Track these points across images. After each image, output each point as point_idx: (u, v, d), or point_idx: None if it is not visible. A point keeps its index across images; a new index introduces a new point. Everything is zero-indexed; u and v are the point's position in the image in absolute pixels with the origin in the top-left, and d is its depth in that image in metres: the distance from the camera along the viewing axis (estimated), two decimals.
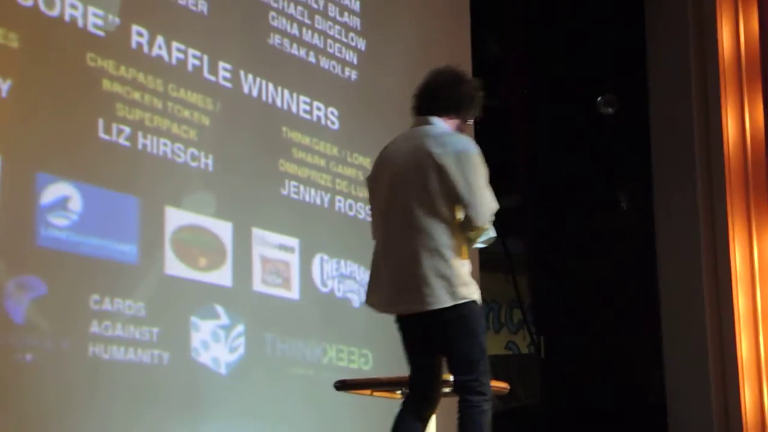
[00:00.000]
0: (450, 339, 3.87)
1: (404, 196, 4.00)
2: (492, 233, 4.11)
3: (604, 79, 9.28)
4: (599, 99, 9.22)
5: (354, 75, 6.38)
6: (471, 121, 4.32)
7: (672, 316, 8.50)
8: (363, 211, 6.21)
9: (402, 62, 6.73)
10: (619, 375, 8.85)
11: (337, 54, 6.31)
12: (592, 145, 9.56)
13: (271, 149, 5.76)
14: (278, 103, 5.84)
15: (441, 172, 3.94)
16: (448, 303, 3.85)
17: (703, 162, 8.69)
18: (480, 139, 7.48)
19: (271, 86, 5.81)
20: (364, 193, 6.19)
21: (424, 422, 3.98)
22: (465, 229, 3.95)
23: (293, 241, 5.77)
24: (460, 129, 4.24)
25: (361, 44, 6.48)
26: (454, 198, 3.92)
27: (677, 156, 8.67)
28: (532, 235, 9.99)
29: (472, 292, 3.92)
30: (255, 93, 5.71)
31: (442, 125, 4.16)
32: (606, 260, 9.06)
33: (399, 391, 4.17)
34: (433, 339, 3.94)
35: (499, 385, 4.24)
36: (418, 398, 3.98)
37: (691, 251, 8.51)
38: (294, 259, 5.76)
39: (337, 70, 6.29)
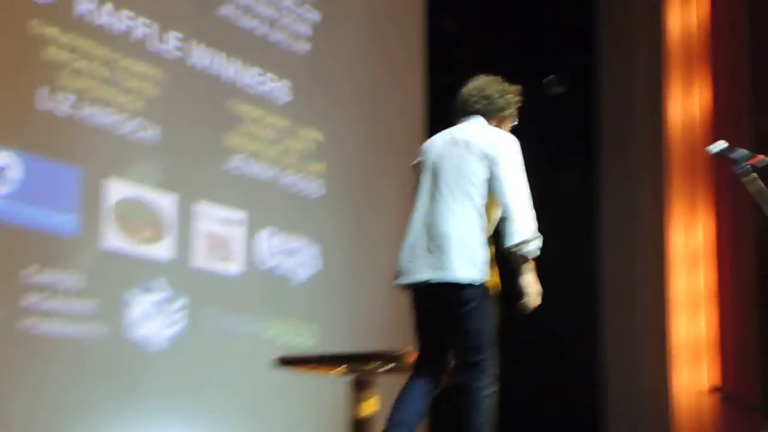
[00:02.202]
0: (466, 316, 3.93)
1: (443, 173, 4.17)
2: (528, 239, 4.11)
3: (554, 59, 9.29)
4: (549, 78, 9.24)
5: (307, 48, 6.31)
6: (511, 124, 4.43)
7: (610, 296, 8.59)
8: (313, 185, 6.17)
9: (356, 36, 6.68)
10: (556, 355, 8.92)
11: (291, 26, 6.23)
12: (540, 126, 9.59)
13: (221, 121, 5.70)
14: (229, 74, 5.77)
15: (484, 162, 4.10)
16: (474, 279, 3.94)
17: (647, 144, 8.76)
18: (432, 115, 7.50)
19: (222, 57, 5.73)
20: (314, 166, 6.16)
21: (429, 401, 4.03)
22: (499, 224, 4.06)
23: (240, 215, 5.72)
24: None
25: (315, 16, 6.41)
26: (492, 191, 4.07)
27: (622, 138, 8.74)
28: None
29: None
30: (205, 64, 5.63)
31: (485, 123, 4.30)
32: (548, 241, 9.10)
33: (342, 368, 4.15)
34: (447, 315, 3.98)
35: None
36: (426, 374, 4.01)
37: (631, 232, 8.60)
38: (240, 233, 5.71)
39: (290, 42, 6.22)
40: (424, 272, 4.07)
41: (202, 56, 5.61)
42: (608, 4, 9.09)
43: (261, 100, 5.92)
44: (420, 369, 4.03)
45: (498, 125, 4.33)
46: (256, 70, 5.91)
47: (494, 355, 3.95)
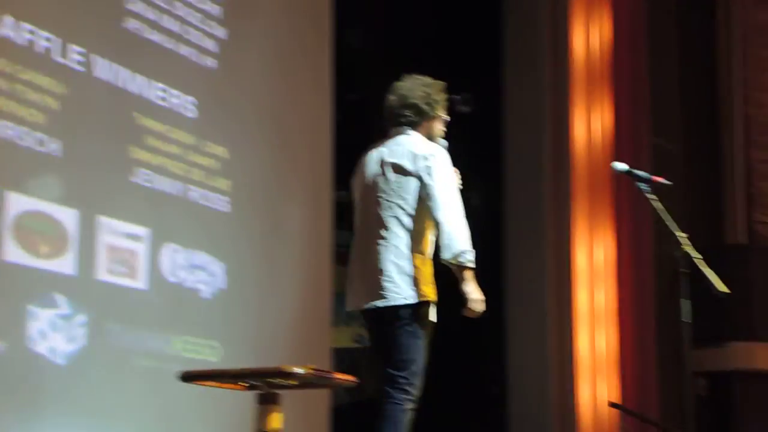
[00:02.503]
0: (397, 332, 4.15)
1: (372, 200, 4.39)
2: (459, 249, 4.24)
3: (461, 77, 9.41)
4: (456, 97, 9.34)
5: (213, 63, 6.31)
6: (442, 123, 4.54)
7: (516, 311, 8.72)
8: (218, 202, 6.16)
9: (263, 53, 6.69)
10: (462, 367, 9.01)
11: (197, 41, 6.22)
12: (447, 143, 9.68)
13: (123, 136, 5.65)
14: (133, 89, 5.73)
15: (414, 182, 4.28)
16: (407, 300, 4.15)
17: (552, 163, 8.93)
18: (339, 132, 7.54)
19: (126, 72, 5.69)
20: (219, 182, 6.14)
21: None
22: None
23: (142, 230, 5.67)
24: (431, 134, 4.49)
25: (222, 33, 6.40)
26: (425, 206, 4.23)
27: (528, 156, 8.89)
28: None
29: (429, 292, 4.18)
30: (108, 78, 5.58)
31: (415, 135, 4.44)
32: None
33: (245, 384, 4.15)
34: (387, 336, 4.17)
35: (347, 378, 4.28)
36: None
37: (537, 249, 8.75)
38: (142, 249, 5.66)
39: (196, 57, 6.20)
40: (362, 299, 4.29)
41: (105, 70, 5.56)
42: (514, 24, 9.26)
43: (166, 115, 5.89)
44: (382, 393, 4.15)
45: (429, 131, 4.42)
46: (160, 85, 5.88)
47: (419, 374, 4.06)
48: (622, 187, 9.06)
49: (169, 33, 6.01)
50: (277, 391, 3.97)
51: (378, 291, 4.22)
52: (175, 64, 6.03)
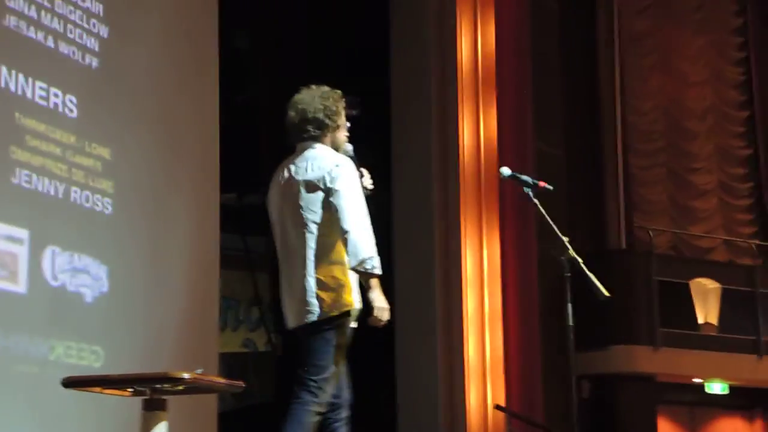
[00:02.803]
0: (314, 339, 4.29)
1: (287, 219, 4.45)
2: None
3: (349, 80, 9.41)
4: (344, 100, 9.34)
5: (95, 62, 6.17)
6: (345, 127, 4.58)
7: (405, 315, 8.75)
8: (100, 203, 6.02)
9: (147, 52, 6.58)
10: (352, 373, 8.99)
11: (78, 40, 6.07)
12: (352, 147, 9.66)
13: (2, 136, 5.47)
14: (12, 87, 5.56)
15: (320, 197, 4.35)
16: (324, 314, 4.29)
17: (439, 167, 9.00)
18: (227, 134, 7.46)
19: (4, 69, 5.52)
20: (101, 184, 6.01)
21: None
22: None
23: (22, 233, 5.51)
24: (336, 143, 4.52)
25: (104, 31, 6.26)
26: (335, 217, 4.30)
27: (415, 160, 8.93)
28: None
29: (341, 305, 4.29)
30: None
31: (320, 148, 4.48)
32: None
33: (130, 390, 4.06)
34: None
35: (234, 383, 4.25)
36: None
37: (425, 254, 8.80)
38: (22, 251, 5.50)
39: (77, 56, 6.06)
40: (289, 319, 4.42)
41: None
42: (401, 29, 9.31)
43: (45, 115, 5.73)
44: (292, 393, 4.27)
45: (333, 141, 4.46)
46: (40, 83, 5.72)
47: (330, 380, 4.24)
48: (507, 192, 9.18)
49: (49, 31, 5.86)
50: (163, 397, 3.90)
51: (304, 308, 4.32)
52: (56, 63, 5.88)
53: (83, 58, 6.08)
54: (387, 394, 8.77)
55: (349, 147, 4.63)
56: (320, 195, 4.37)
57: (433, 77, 9.15)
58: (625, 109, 11.63)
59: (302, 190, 4.41)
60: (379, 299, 4.29)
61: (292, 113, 4.55)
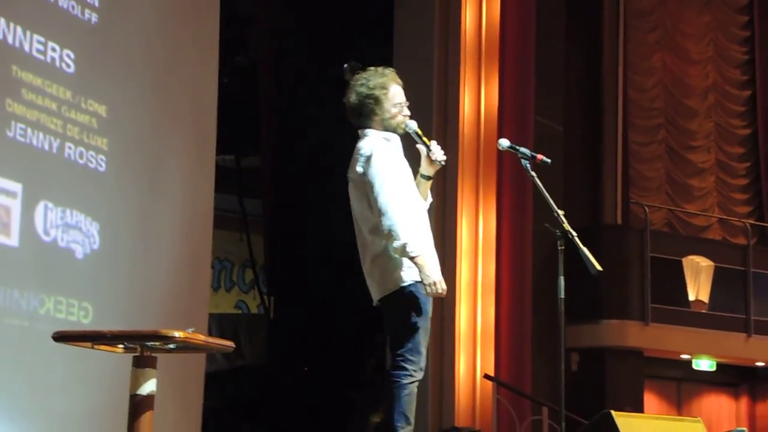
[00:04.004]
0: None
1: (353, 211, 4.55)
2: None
3: (351, 46, 9.40)
4: (345, 66, 9.31)
5: (95, 18, 6.12)
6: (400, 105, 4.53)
7: None
8: (94, 160, 6.00)
9: (147, 11, 6.53)
10: (344, 339, 9.03)
11: None
12: (337, 111, 9.66)
13: (0, 88, 5.44)
14: (9, 40, 5.53)
15: (360, 188, 4.42)
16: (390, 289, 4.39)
17: (439, 137, 8.97)
18: (226, 96, 7.43)
19: (2, 21, 5.48)
20: (96, 141, 5.99)
21: None
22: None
23: (15, 186, 5.49)
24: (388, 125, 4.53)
25: None
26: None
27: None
28: (270, 195, 10.01)
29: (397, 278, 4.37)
30: None
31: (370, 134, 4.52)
32: (342, 226, 9.20)
33: (121, 346, 4.06)
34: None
35: (225, 343, 4.25)
36: None
37: None
38: (15, 205, 5.48)
39: (77, 11, 6.01)
40: (372, 295, 4.50)
41: None
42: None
43: (42, 69, 5.70)
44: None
45: (383, 123, 4.46)
46: (38, 37, 5.68)
47: (413, 351, 4.28)
48: (506, 164, 9.17)
49: None
50: (153, 354, 3.90)
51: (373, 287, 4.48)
52: (55, 17, 5.84)
53: (83, 13, 6.04)
54: (377, 360, 8.81)
55: (412, 124, 4.58)
56: (361, 191, 4.42)
57: (436, 47, 9.11)
58: (626, 84, 11.60)
59: (351, 188, 4.49)
60: (426, 276, 4.29)
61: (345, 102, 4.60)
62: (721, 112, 12.45)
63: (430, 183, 4.65)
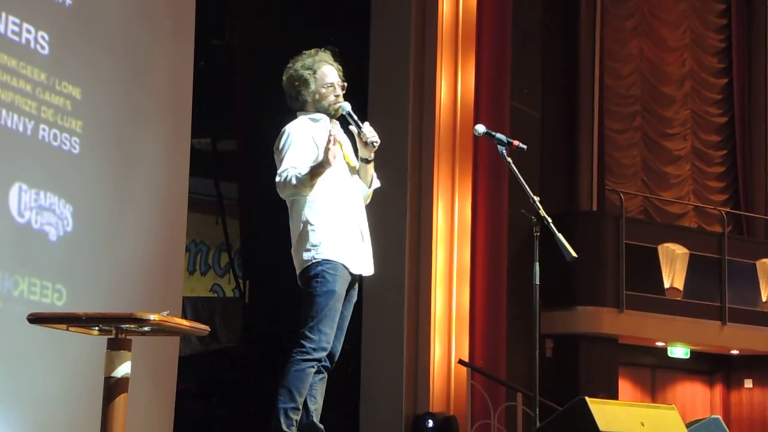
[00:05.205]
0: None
1: None
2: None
3: (327, 31, 9.36)
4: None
5: (69, 0, 6.07)
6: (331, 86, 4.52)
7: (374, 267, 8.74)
8: (68, 143, 5.96)
9: None
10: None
11: None
12: (348, 105, 9.60)
13: None
14: None
15: None
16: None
17: (415, 123, 8.97)
18: (202, 79, 7.39)
19: None
20: (70, 123, 5.95)
21: None
22: None
23: None
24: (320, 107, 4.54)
25: None
26: None
27: (392, 115, 8.89)
28: (246, 179, 9.98)
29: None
30: None
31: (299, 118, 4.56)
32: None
33: (96, 328, 4.05)
34: None
35: (200, 326, 4.24)
36: None
37: (397, 208, 8.79)
38: None
39: None
40: None
41: None
42: None
43: (16, 50, 5.65)
44: None
45: (316, 105, 4.45)
46: (13, 18, 5.63)
47: (314, 329, 4.30)
48: (482, 150, 9.18)
49: None
50: (128, 337, 3.90)
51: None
52: None
53: None
54: (352, 344, 8.80)
55: (345, 105, 4.54)
56: None
57: (413, 32, 9.09)
58: (603, 71, 11.62)
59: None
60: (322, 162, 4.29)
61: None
62: (697, 99, 12.50)
63: (371, 167, 4.60)
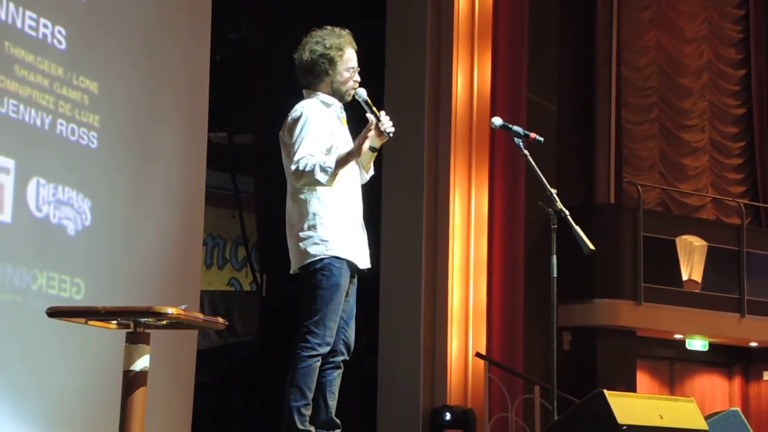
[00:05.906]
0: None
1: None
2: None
3: (345, 23, 9.32)
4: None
5: None
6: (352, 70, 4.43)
7: (391, 261, 8.76)
8: (86, 137, 5.99)
9: None
10: None
11: None
12: (364, 91, 9.59)
13: None
14: (2, 16, 5.52)
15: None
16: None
17: (431, 115, 8.95)
18: (218, 73, 7.40)
19: None
20: (88, 117, 5.98)
21: None
22: None
23: (8, 162, 5.49)
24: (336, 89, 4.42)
25: None
26: None
27: (408, 107, 8.87)
28: (262, 173, 9.99)
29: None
30: None
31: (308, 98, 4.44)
32: None
33: (114, 322, 4.07)
34: None
35: (217, 320, 4.25)
36: None
37: (414, 201, 8.79)
38: (8, 181, 5.48)
39: None
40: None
41: None
42: None
43: (34, 45, 5.68)
44: None
45: (332, 87, 4.36)
46: (30, 14, 5.66)
47: (319, 324, 4.27)
48: (498, 142, 9.16)
49: None
50: (147, 331, 3.92)
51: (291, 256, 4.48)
52: None
53: None
54: (369, 338, 8.81)
55: (362, 92, 4.44)
56: (287, 153, 4.32)
57: (430, 24, 9.07)
58: (620, 63, 11.57)
59: (282, 151, 4.37)
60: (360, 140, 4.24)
61: (295, 58, 4.47)
62: (715, 91, 12.43)
63: (374, 155, 4.52)
